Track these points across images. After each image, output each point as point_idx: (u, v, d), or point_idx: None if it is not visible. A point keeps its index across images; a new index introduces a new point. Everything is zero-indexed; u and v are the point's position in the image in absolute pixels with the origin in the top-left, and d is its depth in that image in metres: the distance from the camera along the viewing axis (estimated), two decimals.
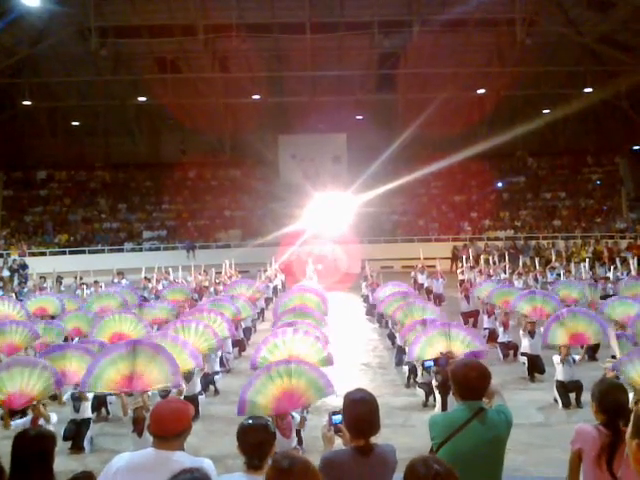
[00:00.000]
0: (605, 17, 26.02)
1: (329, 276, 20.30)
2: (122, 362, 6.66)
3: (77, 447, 7.30)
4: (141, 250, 29.92)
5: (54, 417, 6.60)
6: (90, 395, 7.69)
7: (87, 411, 7.67)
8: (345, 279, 20.76)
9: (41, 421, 6.36)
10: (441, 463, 2.48)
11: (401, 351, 10.32)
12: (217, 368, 9.97)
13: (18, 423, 6.25)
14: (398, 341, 10.75)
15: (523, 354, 10.18)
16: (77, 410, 7.54)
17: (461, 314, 13.90)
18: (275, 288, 19.04)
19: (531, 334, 10.10)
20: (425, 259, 18.88)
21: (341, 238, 26.23)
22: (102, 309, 11.87)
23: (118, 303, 12.29)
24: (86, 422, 7.54)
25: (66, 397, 7.63)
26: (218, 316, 9.85)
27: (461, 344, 8.04)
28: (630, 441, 2.38)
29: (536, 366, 9.92)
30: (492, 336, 11.79)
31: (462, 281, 15.26)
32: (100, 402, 8.41)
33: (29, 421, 6.38)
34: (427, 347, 8.13)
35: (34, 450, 3.07)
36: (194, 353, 7.55)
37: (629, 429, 2.52)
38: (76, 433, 7.37)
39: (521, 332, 10.35)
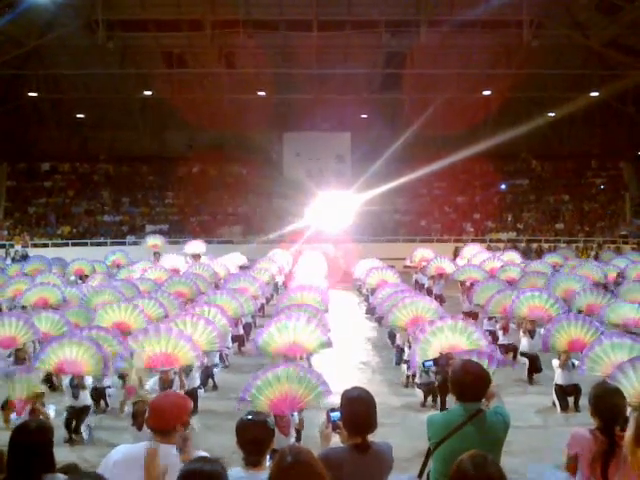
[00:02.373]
0: (612, 21, 25.95)
1: (330, 275, 20.26)
2: (150, 344, 7.11)
3: (75, 432, 7.37)
4: None
5: (52, 411, 6.62)
6: (89, 382, 7.74)
7: (87, 399, 7.71)
8: (345, 278, 20.74)
9: None
10: (495, 464, 2.45)
11: (401, 351, 10.33)
12: (217, 361, 10.03)
13: (16, 422, 6.26)
14: (398, 341, 10.77)
15: (522, 354, 10.15)
16: (76, 397, 7.57)
17: (462, 314, 13.89)
18: (276, 285, 19.04)
19: (531, 334, 10.02)
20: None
21: (338, 237, 26.22)
22: (100, 305, 11.83)
23: (116, 298, 12.21)
24: (85, 409, 7.59)
25: (65, 384, 7.68)
26: (218, 311, 9.85)
27: (466, 340, 7.69)
28: (635, 449, 2.38)
29: (534, 365, 9.90)
30: (492, 338, 11.78)
31: (463, 282, 15.24)
32: (99, 394, 8.44)
33: (27, 414, 6.40)
34: (429, 344, 7.73)
35: (35, 442, 3.06)
36: (198, 350, 7.59)
37: (630, 436, 2.51)
38: (75, 419, 7.44)
39: (521, 332, 10.29)
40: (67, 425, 7.37)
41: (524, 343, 10.15)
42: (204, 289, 13.90)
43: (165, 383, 7.44)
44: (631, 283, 13.36)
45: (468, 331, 7.59)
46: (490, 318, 12.14)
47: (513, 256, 19.23)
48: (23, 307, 12.71)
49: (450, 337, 7.56)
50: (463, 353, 6.55)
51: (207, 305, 10.04)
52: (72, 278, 17.42)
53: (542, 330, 9.93)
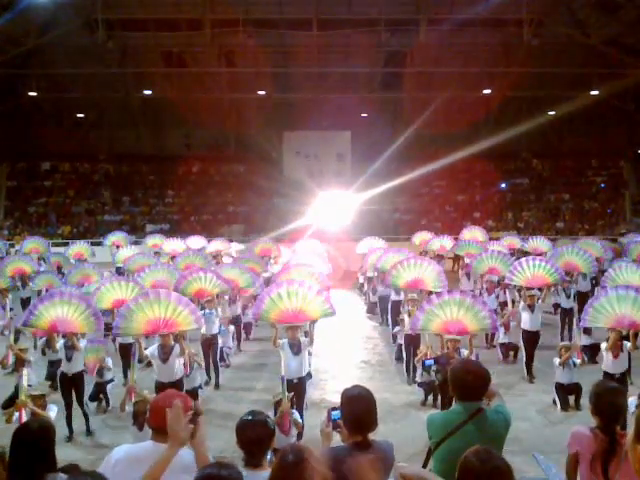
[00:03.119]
0: (613, 19, 25.91)
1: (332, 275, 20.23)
2: (150, 307, 7.08)
3: (79, 404, 7.51)
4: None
5: (53, 412, 6.63)
6: (82, 344, 7.75)
7: (79, 364, 7.71)
8: (347, 278, 20.72)
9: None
10: (499, 457, 2.45)
11: (401, 348, 10.33)
12: (230, 343, 11.03)
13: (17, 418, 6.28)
14: (399, 339, 10.77)
15: (524, 332, 9.96)
16: (69, 359, 7.57)
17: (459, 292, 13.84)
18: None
19: (531, 308, 9.88)
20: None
21: (335, 236, 26.17)
22: (81, 280, 12.07)
23: (97, 276, 12.41)
24: (79, 377, 7.61)
25: (59, 345, 7.70)
26: (214, 275, 10.20)
27: (472, 317, 7.49)
28: (635, 445, 2.37)
29: (531, 349, 9.80)
30: (492, 335, 11.79)
31: (462, 257, 15.14)
32: (100, 389, 8.45)
33: (29, 413, 6.41)
34: (435, 315, 7.59)
35: (37, 441, 3.05)
36: (196, 313, 7.62)
37: (631, 434, 2.51)
38: (75, 391, 7.49)
39: (521, 305, 10.12)
40: (66, 404, 7.37)
41: (525, 319, 9.96)
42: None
43: (165, 348, 7.37)
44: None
45: (475, 309, 7.50)
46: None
47: (515, 240, 18.95)
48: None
49: (455, 312, 7.47)
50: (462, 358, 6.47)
51: (203, 272, 10.38)
52: (71, 261, 17.49)
53: (539, 302, 9.96)
